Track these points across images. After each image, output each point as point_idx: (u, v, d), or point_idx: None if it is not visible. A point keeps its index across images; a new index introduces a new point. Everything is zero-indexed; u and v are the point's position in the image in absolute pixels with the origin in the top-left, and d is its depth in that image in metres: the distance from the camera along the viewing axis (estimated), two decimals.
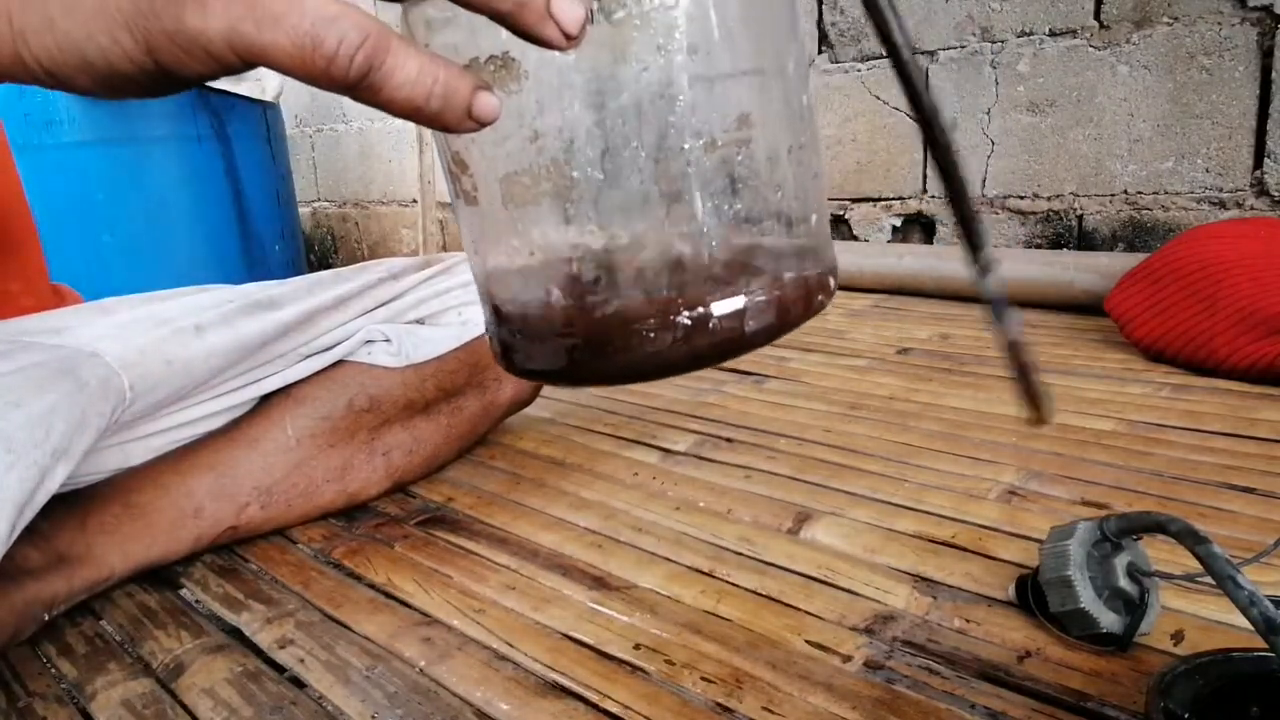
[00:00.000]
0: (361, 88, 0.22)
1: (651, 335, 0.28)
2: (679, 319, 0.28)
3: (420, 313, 0.72)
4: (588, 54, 0.25)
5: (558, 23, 0.22)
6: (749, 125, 0.29)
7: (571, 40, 0.22)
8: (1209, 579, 0.37)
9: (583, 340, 0.28)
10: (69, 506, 0.56)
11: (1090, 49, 1.24)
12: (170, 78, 0.23)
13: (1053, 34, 1.27)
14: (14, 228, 0.58)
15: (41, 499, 0.46)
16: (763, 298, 0.29)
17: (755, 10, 0.30)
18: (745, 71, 0.29)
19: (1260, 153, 1.14)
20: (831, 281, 0.32)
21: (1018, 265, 1.23)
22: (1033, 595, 0.47)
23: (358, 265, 0.71)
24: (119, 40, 0.22)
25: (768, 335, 0.29)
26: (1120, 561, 0.44)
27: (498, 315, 0.31)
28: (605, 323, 0.28)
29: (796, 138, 0.31)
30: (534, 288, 0.29)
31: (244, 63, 0.22)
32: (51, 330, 0.55)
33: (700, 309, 0.28)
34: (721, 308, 0.28)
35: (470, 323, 0.73)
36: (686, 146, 0.27)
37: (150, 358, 0.54)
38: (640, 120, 0.27)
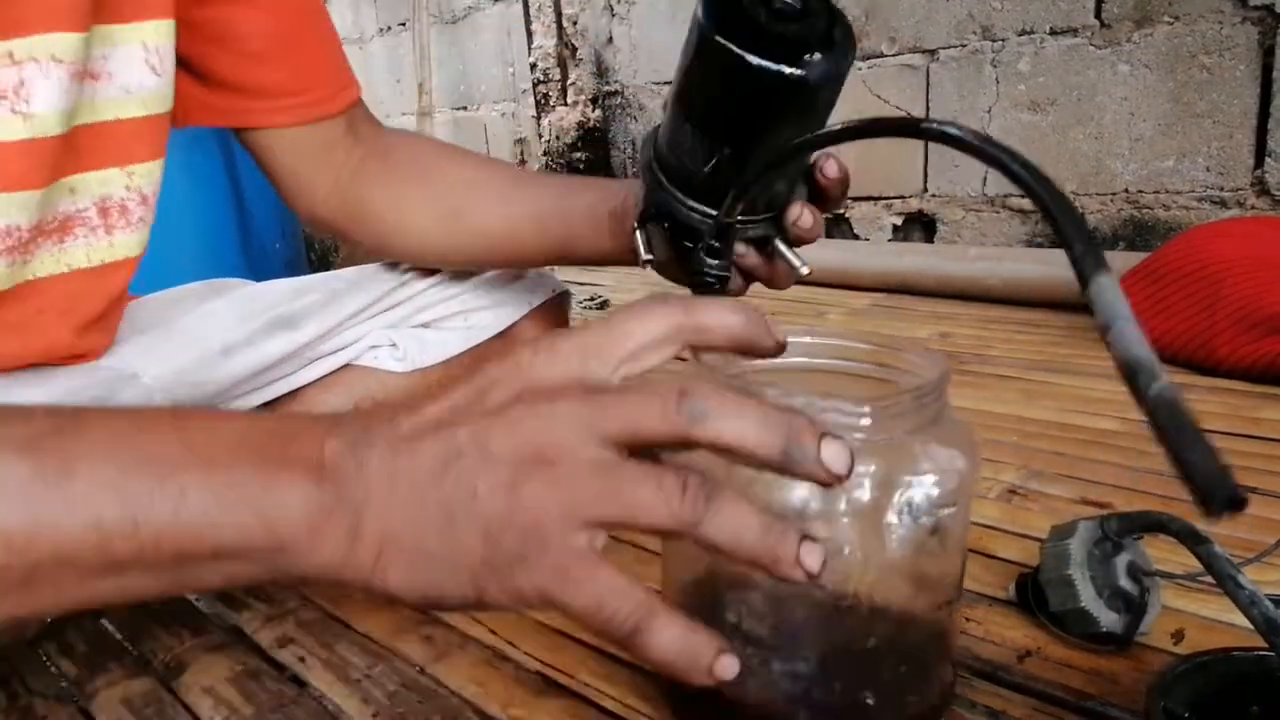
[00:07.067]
0: (629, 643, 0.29)
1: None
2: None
3: (426, 317, 0.72)
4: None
5: (804, 567, 0.28)
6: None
7: (815, 577, 0.28)
8: (1209, 578, 0.37)
9: None
10: None
11: (1091, 48, 1.24)
12: (480, 606, 0.30)
13: (1053, 33, 1.27)
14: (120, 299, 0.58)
15: None
16: None
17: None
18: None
19: (1261, 152, 1.14)
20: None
21: (1018, 265, 1.23)
22: (1033, 594, 0.47)
23: (369, 269, 0.70)
24: (463, 586, 0.29)
25: None
26: (1121, 561, 0.44)
27: None
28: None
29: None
30: None
31: (541, 606, 0.29)
32: None
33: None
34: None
35: (476, 327, 0.72)
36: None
37: (183, 380, 0.57)
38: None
